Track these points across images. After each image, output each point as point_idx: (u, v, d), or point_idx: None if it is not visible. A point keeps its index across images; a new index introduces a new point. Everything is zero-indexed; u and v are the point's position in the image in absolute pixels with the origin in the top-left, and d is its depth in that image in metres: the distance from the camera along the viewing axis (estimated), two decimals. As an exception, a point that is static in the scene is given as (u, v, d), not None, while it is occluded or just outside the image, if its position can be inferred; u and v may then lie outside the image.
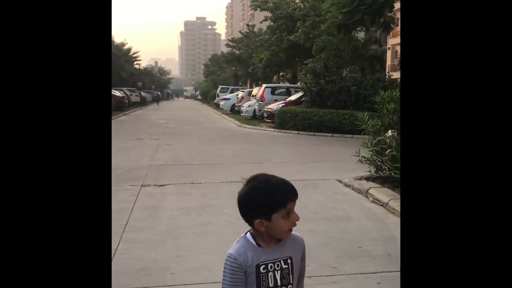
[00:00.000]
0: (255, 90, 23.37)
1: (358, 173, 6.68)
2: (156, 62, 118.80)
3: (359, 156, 6.44)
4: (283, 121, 15.04)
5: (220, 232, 4.17)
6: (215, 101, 35.31)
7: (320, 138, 13.00)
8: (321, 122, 13.82)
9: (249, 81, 42.64)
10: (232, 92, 31.44)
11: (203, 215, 4.82)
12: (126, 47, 48.89)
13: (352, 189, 6.13)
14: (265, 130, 15.59)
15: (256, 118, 19.71)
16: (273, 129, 15.30)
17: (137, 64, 53.17)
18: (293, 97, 17.92)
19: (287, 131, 14.49)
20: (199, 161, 8.59)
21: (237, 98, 26.17)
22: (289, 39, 23.32)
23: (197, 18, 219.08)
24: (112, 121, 19.87)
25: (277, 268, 1.48)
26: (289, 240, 1.51)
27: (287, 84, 25.59)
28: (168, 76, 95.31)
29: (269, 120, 16.88)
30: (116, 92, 30.29)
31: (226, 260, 1.45)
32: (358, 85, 14.36)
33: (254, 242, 1.47)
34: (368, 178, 6.40)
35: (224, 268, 1.45)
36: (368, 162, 6.45)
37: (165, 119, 21.63)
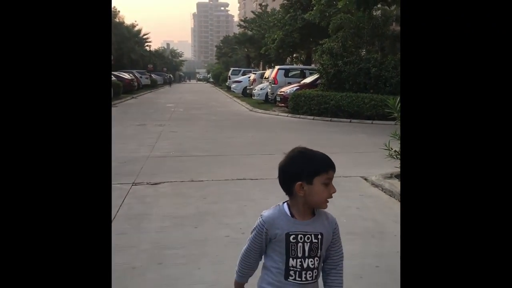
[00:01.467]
0: (267, 72, 22.20)
1: (386, 168, 5.68)
2: (168, 44, 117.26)
3: (389, 149, 5.42)
4: (297, 105, 14.00)
5: (219, 256, 3.23)
6: (226, 84, 34.29)
7: (337, 124, 11.96)
8: (339, 107, 12.78)
9: (261, 63, 41.27)
10: (244, 74, 30.23)
11: (200, 227, 3.88)
12: (136, 28, 47.94)
13: (382, 190, 5.14)
14: (278, 115, 14.57)
15: (268, 101, 18.66)
16: (286, 114, 14.28)
17: (147, 45, 52.16)
18: (308, 80, 16.81)
19: (302, 116, 13.48)
20: (203, 152, 7.64)
21: (249, 80, 25.07)
22: (303, 17, 22.15)
23: (210, 0, 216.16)
24: (118, 104, 19.07)
25: (307, 241, 1.52)
26: (323, 217, 1.57)
27: (302, 66, 24.31)
28: (180, 59, 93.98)
29: (282, 104, 15.84)
30: (125, 75, 29.49)
31: (258, 218, 1.57)
32: (378, 66, 13.25)
33: (288, 212, 1.54)
34: (399, 176, 5.39)
35: (255, 225, 1.57)
36: (400, 157, 5.42)
37: (174, 103, 20.73)
